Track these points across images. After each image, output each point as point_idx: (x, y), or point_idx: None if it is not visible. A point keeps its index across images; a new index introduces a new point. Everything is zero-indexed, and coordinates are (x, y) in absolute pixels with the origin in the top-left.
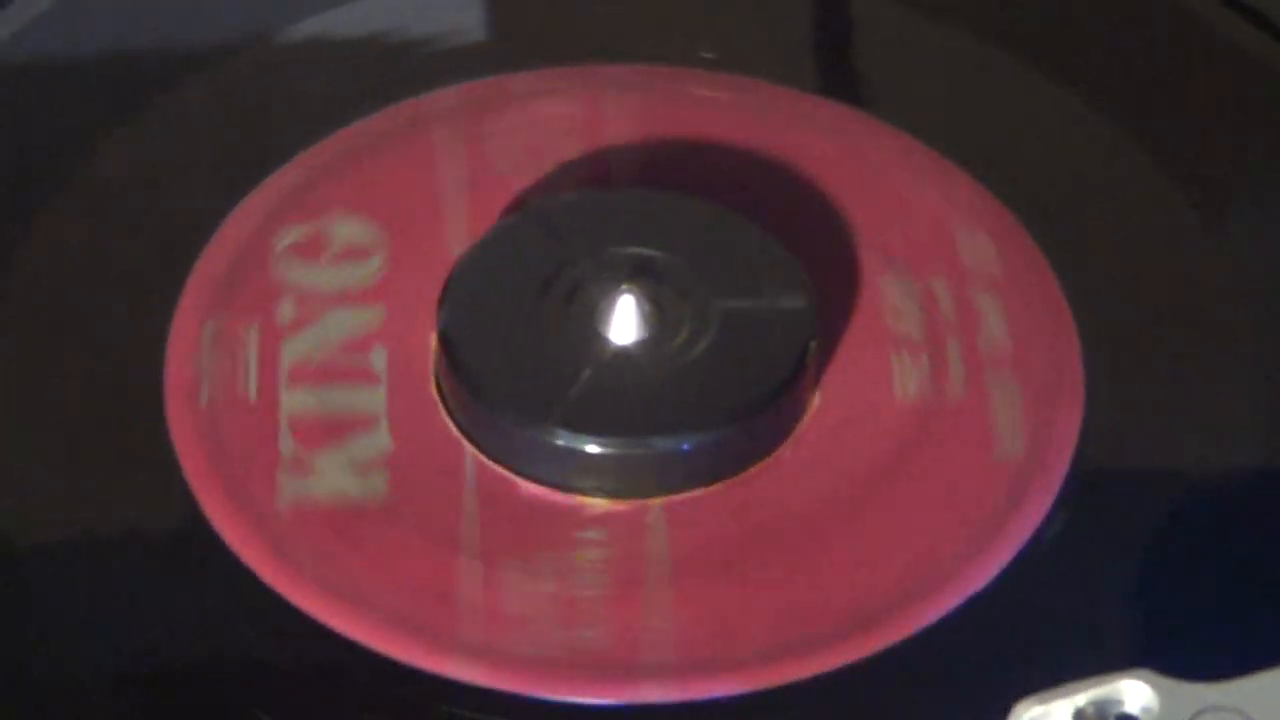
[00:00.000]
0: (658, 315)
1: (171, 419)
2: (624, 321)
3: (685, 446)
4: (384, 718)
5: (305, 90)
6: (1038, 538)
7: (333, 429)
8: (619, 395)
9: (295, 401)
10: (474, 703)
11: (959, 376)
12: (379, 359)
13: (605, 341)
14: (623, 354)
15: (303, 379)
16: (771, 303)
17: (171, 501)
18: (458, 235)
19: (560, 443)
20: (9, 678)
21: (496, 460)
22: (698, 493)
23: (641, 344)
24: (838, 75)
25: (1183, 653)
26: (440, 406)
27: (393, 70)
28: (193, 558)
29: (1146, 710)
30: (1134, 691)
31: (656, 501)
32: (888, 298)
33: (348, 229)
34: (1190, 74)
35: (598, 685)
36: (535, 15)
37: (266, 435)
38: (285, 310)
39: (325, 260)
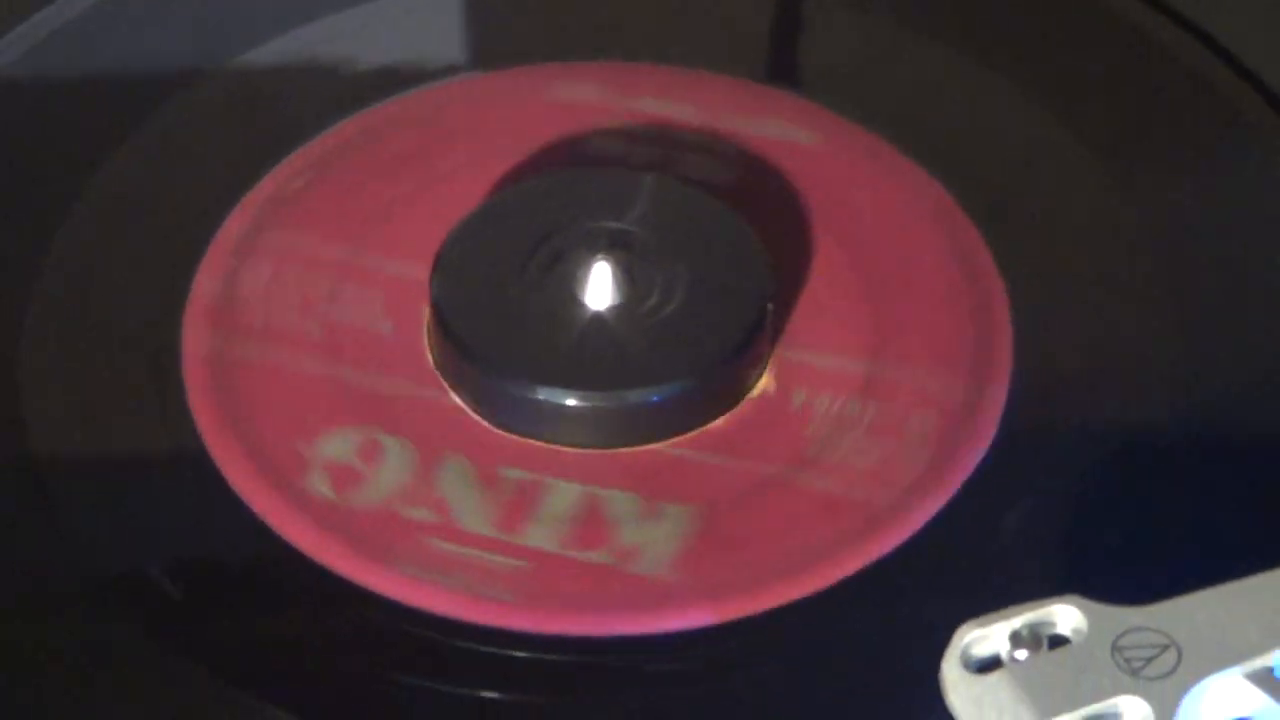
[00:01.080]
0: (630, 282)
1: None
2: (600, 288)
3: (656, 399)
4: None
5: (298, 93)
6: (975, 480)
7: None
8: (596, 354)
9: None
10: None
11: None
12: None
13: (583, 306)
14: (599, 317)
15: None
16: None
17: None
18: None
19: (543, 397)
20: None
21: (485, 417)
22: (668, 442)
23: (615, 308)
24: (796, 69)
25: (1111, 580)
26: (436, 373)
27: (373, 74)
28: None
29: (1077, 631)
30: (1065, 615)
31: (630, 450)
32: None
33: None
34: (1135, 79)
35: (568, 618)
36: (512, 17)
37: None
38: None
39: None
